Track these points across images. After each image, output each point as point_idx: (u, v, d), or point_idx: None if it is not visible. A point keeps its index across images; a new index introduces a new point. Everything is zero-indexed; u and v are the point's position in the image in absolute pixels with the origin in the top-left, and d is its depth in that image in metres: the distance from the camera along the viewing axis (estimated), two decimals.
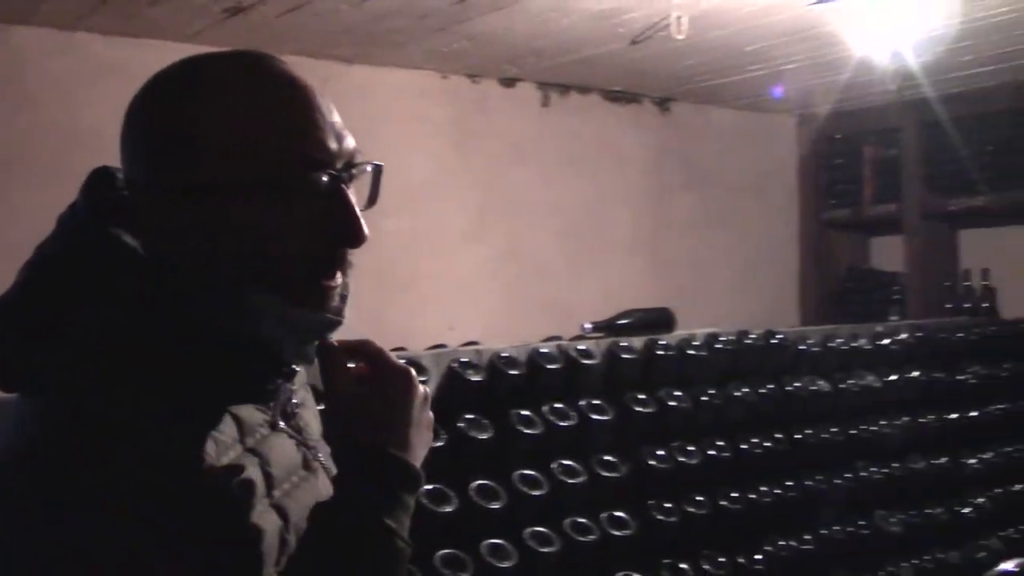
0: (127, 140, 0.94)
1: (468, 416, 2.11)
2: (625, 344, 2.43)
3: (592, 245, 4.11)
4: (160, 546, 0.80)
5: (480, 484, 2.06)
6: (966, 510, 3.01)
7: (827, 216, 4.76)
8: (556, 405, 2.24)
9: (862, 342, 2.96)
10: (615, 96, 4.17)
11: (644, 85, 4.07)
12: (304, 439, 1.02)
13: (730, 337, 2.66)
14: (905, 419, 2.96)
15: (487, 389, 2.17)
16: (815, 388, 2.76)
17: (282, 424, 0.99)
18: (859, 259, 4.90)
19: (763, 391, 2.65)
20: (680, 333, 2.67)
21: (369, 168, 0.97)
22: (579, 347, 2.34)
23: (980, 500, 3.05)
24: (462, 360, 2.16)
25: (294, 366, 0.98)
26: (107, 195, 0.95)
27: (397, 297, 3.52)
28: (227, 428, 0.91)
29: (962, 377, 3.19)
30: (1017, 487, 3.21)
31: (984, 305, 4.22)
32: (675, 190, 4.34)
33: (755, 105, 4.44)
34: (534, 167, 3.99)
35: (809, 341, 2.83)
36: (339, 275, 0.95)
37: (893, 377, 2.97)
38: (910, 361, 3.08)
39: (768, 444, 2.60)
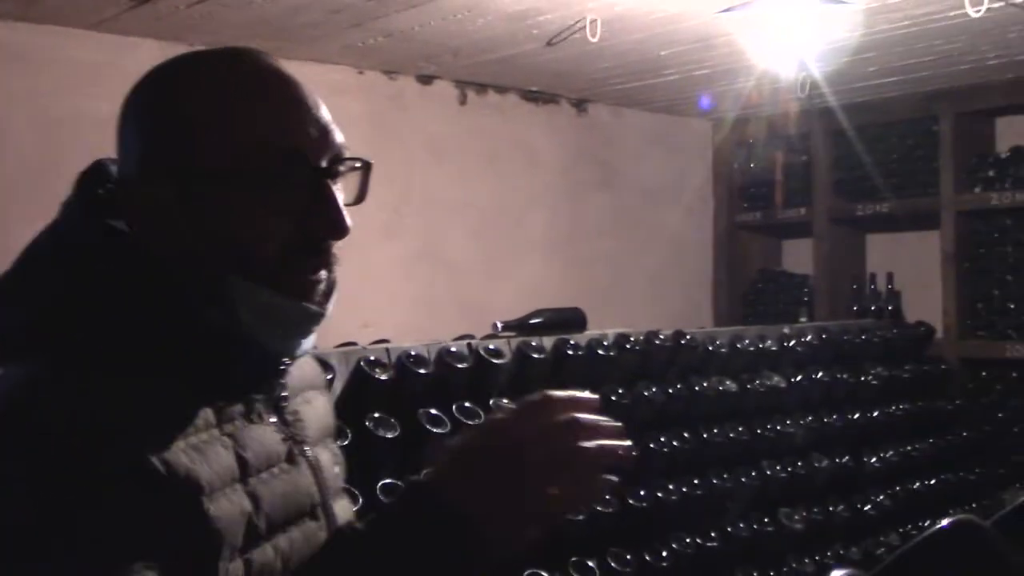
0: (121, 131, 0.99)
1: (375, 415, 2.09)
2: (535, 344, 2.44)
3: (508, 244, 4.12)
4: (53, 531, 0.80)
5: (386, 483, 2.04)
6: (867, 507, 3.09)
7: (740, 219, 4.85)
8: (465, 404, 2.24)
9: (769, 343, 3.03)
10: (532, 96, 4.18)
11: (561, 86, 4.09)
12: (293, 433, 1.03)
13: (639, 338, 2.69)
14: (809, 419, 3.03)
15: (395, 388, 2.16)
16: (722, 388, 2.81)
17: (270, 418, 1.01)
18: (771, 261, 5.00)
19: (671, 391, 2.68)
20: (591, 333, 2.69)
21: (357, 165, 1.01)
22: (489, 346, 2.35)
23: (880, 498, 3.14)
24: (370, 358, 2.15)
25: (283, 360, 1.01)
26: (100, 186, 0.98)
27: None
28: (202, 412, 0.92)
29: (864, 378, 3.28)
30: (916, 484, 3.32)
31: (889, 307, 4.34)
32: (591, 191, 4.38)
33: (670, 108, 4.50)
34: (451, 165, 3.98)
35: (717, 342, 2.88)
36: (323, 269, 0.98)
37: (798, 378, 3.04)
38: (815, 362, 3.16)
39: (675, 443, 2.64)
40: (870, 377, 3.29)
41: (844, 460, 3.08)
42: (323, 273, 0.98)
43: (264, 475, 0.96)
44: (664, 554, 2.52)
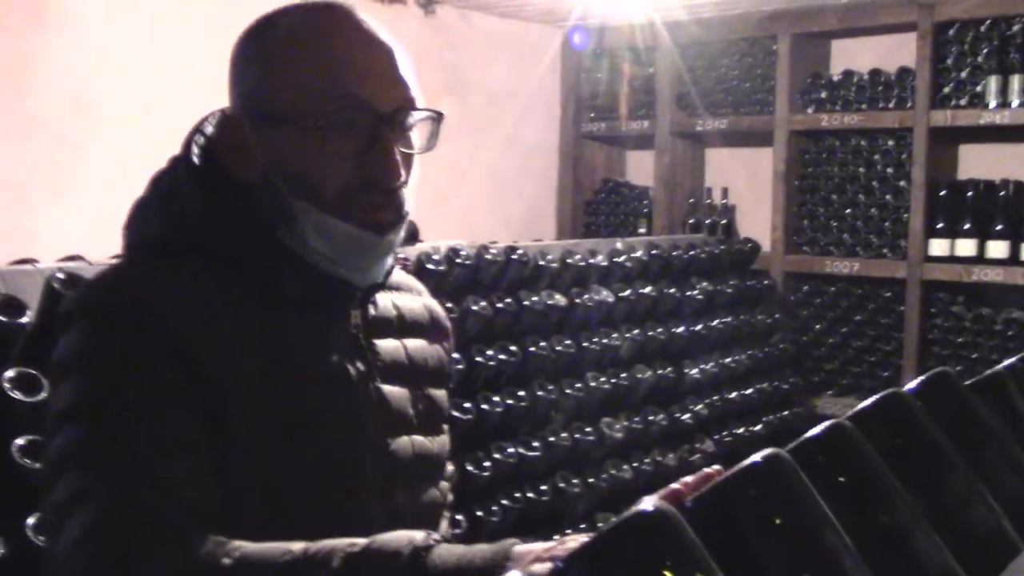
0: (229, 75, 1.15)
1: None
2: None
3: None
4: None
5: None
6: (684, 416, 3.24)
7: (586, 128, 4.89)
8: None
9: (600, 259, 3.09)
10: None
11: None
12: (365, 364, 1.13)
13: (471, 252, 2.70)
14: (635, 332, 3.13)
15: None
16: (551, 303, 2.86)
17: (339, 343, 1.11)
18: (615, 171, 5.07)
19: (500, 305, 2.72)
20: (422, 246, 2.69)
21: (424, 116, 1.11)
22: None
23: (698, 407, 3.30)
24: None
25: (351, 288, 1.12)
26: (204, 129, 1.15)
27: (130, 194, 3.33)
28: (255, 317, 1.07)
29: (690, 292, 3.40)
30: (732, 394, 3.49)
31: (723, 222, 4.49)
32: (435, 95, 4.27)
33: (519, 13, 4.45)
34: None
35: (549, 257, 2.92)
36: (385, 206, 1.08)
37: (626, 292, 3.12)
38: (643, 277, 3.25)
39: (502, 356, 2.68)
40: (695, 291, 3.41)
41: (666, 371, 3.21)
42: (386, 207, 1.09)
43: (305, 386, 1.08)
44: (486, 464, 2.59)
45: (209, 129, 1.17)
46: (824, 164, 4.16)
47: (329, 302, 1.13)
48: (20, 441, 1.73)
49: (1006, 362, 1.00)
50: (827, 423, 0.67)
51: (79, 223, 3.17)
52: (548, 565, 0.76)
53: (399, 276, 1.28)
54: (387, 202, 1.09)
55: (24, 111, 3.17)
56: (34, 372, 1.76)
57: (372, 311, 1.19)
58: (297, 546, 0.90)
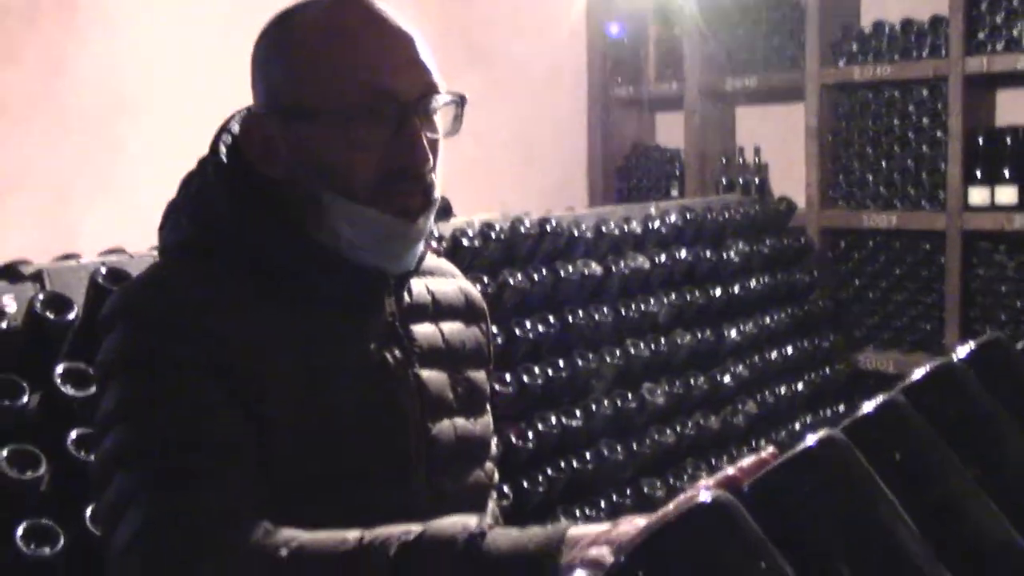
0: (252, 73, 1.17)
1: None
2: None
3: None
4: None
5: None
6: (725, 378, 3.24)
7: (614, 93, 4.85)
8: None
9: (634, 225, 3.08)
10: None
11: None
12: (401, 352, 1.15)
13: (504, 226, 2.70)
14: (672, 297, 3.12)
15: None
16: (587, 272, 2.86)
17: (376, 332, 1.13)
18: (645, 135, 5.04)
19: (537, 277, 2.72)
20: (455, 222, 2.69)
21: (448, 100, 1.12)
22: None
23: (738, 368, 3.29)
24: None
25: (386, 277, 1.14)
26: (231, 128, 1.18)
27: (168, 189, 3.36)
28: (288, 313, 1.08)
29: (726, 255, 3.38)
30: (773, 355, 3.48)
31: (756, 180, 4.45)
32: (460, 68, 4.26)
33: None
34: None
35: (583, 227, 2.91)
36: (414, 192, 1.10)
37: (662, 258, 3.11)
38: (678, 241, 3.23)
39: (541, 328, 2.69)
40: (732, 253, 3.39)
41: (705, 335, 3.19)
42: (416, 193, 1.10)
43: (343, 381, 1.09)
44: (529, 435, 2.61)
45: (235, 128, 1.18)
46: (857, 117, 4.09)
47: (363, 293, 1.14)
48: (73, 434, 1.77)
49: None
50: (880, 400, 0.67)
51: (119, 218, 3.21)
52: (605, 549, 0.76)
53: (432, 261, 1.29)
54: (416, 188, 1.11)
55: (61, 110, 3.21)
56: (84, 366, 1.80)
57: (407, 298, 1.20)
58: (352, 535, 0.91)
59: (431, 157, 1.10)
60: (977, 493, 0.65)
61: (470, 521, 0.87)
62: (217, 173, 1.15)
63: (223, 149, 1.17)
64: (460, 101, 1.14)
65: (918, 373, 0.74)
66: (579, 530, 0.83)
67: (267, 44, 1.15)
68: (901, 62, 3.90)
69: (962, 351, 0.78)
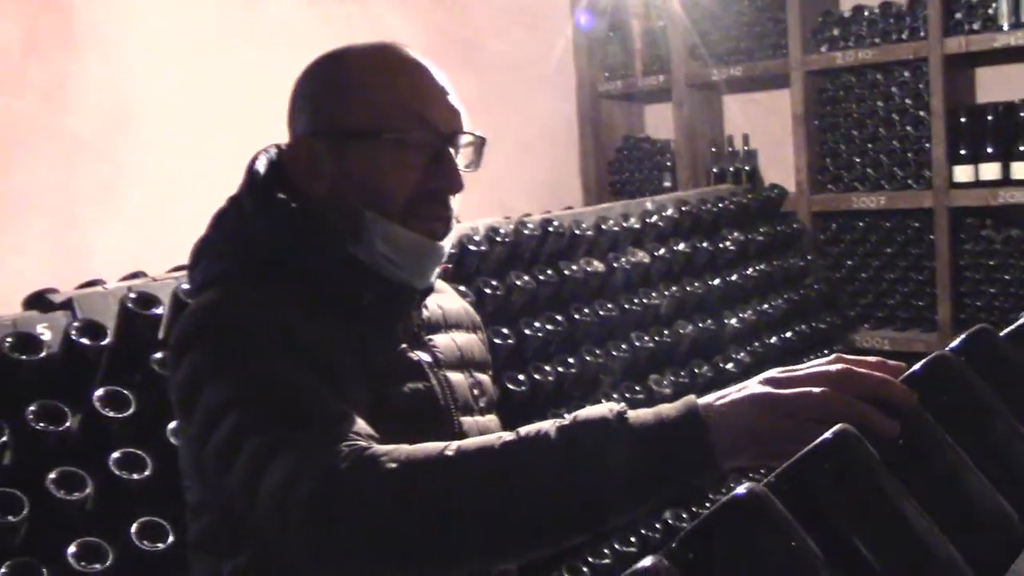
0: (293, 103, 1.31)
1: None
2: None
3: None
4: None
5: None
6: (728, 365, 3.33)
7: (603, 88, 4.93)
8: None
9: (632, 221, 3.17)
10: None
11: None
12: (429, 356, 1.28)
13: (508, 229, 2.79)
14: (673, 289, 3.21)
15: None
16: (590, 269, 2.94)
17: (407, 341, 1.26)
18: (635, 128, 5.12)
19: (542, 277, 2.80)
20: (462, 227, 2.77)
21: (473, 138, 1.28)
22: None
23: (740, 355, 3.38)
24: None
25: (413, 292, 1.26)
26: (268, 155, 1.30)
27: (172, 205, 3.44)
28: (340, 325, 1.19)
29: (722, 244, 3.47)
30: (772, 339, 3.57)
31: (746, 168, 4.54)
32: (452, 71, 4.35)
33: None
34: (308, 55, 3.90)
35: (583, 225, 3.00)
36: (443, 215, 1.24)
37: (661, 251, 3.20)
38: (676, 234, 3.32)
39: (549, 327, 2.77)
40: (728, 243, 3.48)
41: (706, 324, 3.29)
42: (443, 218, 1.24)
43: (388, 377, 1.21)
44: None
45: (261, 165, 1.29)
46: (842, 102, 4.18)
47: (396, 305, 1.27)
48: (116, 455, 1.85)
49: None
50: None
51: (130, 237, 3.29)
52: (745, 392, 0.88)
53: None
54: (444, 213, 1.26)
55: (65, 131, 3.28)
56: (121, 389, 1.88)
57: (425, 312, 1.35)
58: (502, 433, 0.98)
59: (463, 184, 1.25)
60: (970, 468, 0.74)
61: (613, 405, 0.95)
62: (256, 204, 1.25)
63: (258, 179, 1.28)
64: (480, 142, 1.29)
65: (917, 365, 0.83)
66: (706, 398, 0.92)
67: (318, 77, 1.29)
68: (882, 45, 3.99)
69: (953, 342, 0.87)
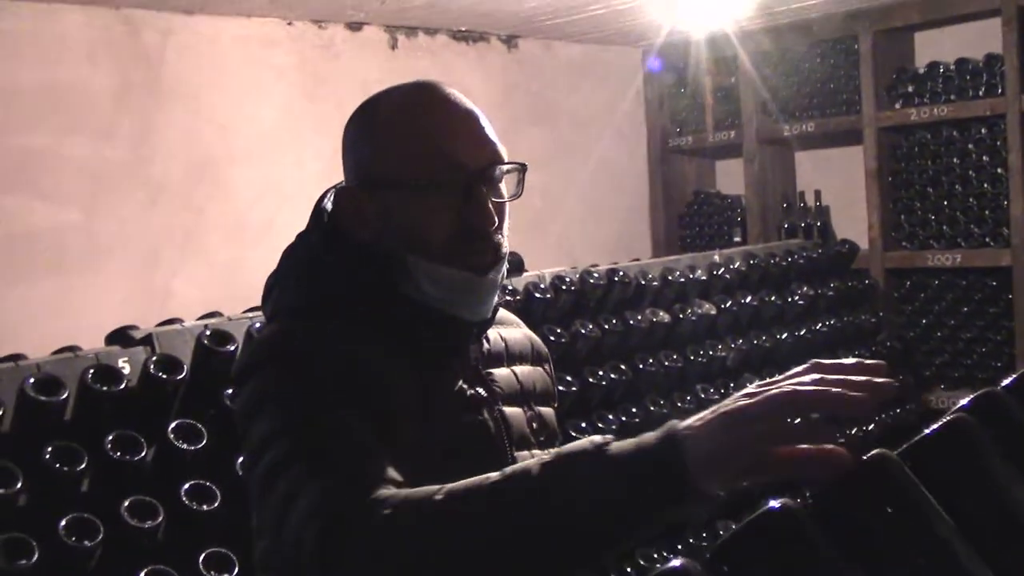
0: (343, 151, 1.32)
1: None
2: None
3: None
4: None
5: None
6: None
7: (673, 143, 4.97)
8: None
9: (699, 273, 3.17)
10: (463, 36, 4.22)
11: (490, 25, 4.13)
12: (487, 392, 1.30)
13: (575, 278, 2.82)
14: (740, 342, 3.19)
15: None
16: (656, 320, 2.95)
17: (466, 377, 1.28)
18: (705, 183, 5.13)
19: (607, 326, 2.82)
20: (527, 276, 2.81)
21: (507, 169, 1.28)
22: None
23: None
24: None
25: (467, 326, 1.27)
26: (324, 205, 1.33)
27: (250, 251, 3.55)
28: (401, 361, 1.21)
29: (791, 299, 3.45)
30: None
31: (818, 224, 4.51)
32: (524, 126, 4.45)
33: (599, 38, 4.56)
34: None
35: (649, 276, 3.02)
36: (485, 249, 1.24)
37: (728, 304, 3.19)
38: (744, 287, 3.31)
39: (613, 376, 2.78)
40: (796, 297, 3.46)
41: (773, 378, 3.25)
42: (485, 251, 1.25)
43: (446, 413, 1.23)
44: None
45: (328, 204, 1.33)
46: (917, 158, 4.15)
47: (451, 340, 1.29)
48: (187, 486, 1.91)
49: None
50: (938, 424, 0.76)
51: (208, 280, 3.40)
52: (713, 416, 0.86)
53: (500, 312, 1.43)
54: (485, 247, 1.25)
55: (150, 178, 3.42)
56: (194, 423, 1.94)
57: (486, 344, 1.35)
58: (491, 474, 0.99)
59: (496, 219, 1.24)
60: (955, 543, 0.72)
61: (594, 438, 0.95)
62: (323, 242, 1.30)
63: (324, 220, 1.32)
64: (522, 168, 1.29)
65: (965, 399, 0.83)
66: (685, 421, 0.90)
67: (355, 126, 1.31)
68: (958, 101, 3.96)
69: (1006, 381, 0.87)
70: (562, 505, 0.91)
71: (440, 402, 1.25)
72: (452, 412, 1.26)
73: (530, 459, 0.99)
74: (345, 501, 1.02)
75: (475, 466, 1.21)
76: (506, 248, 1.29)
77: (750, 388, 0.91)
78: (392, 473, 1.08)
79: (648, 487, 0.87)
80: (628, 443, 0.92)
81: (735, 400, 0.89)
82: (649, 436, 0.91)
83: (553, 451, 0.98)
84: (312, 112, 3.76)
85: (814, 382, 0.87)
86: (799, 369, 0.91)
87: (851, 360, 0.90)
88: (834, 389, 0.82)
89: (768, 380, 0.91)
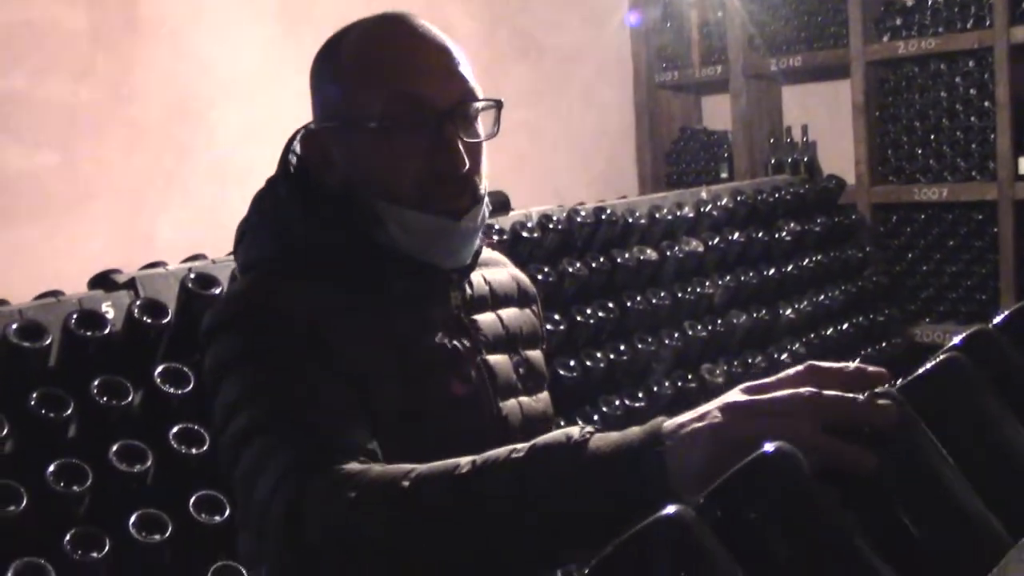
0: (310, 90, 1.24)
1: None
2: None
3: None
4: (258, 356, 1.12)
5: None
6: (782, 356, 3.30)
7: (659, 79, 4.91)
8: None
9: (686, 210, 3.16)
10: None
11: None
12: (469, 340, 1.24)
13: (561, 216, 2.80)
14: (727, 278, 3.19)
15: None
16: (643, 258, 2.94)
17: (445, 324, 1.21)
18: (692, 119, 5.09)
19: (595, 265, 2.81)
20: (514, 215, 2.79)
21: (480, 106, 1.18)
22: None
23: (795, 346, 3.35)
24: None
25: (442, 273, 1.21)
26: (294, 147, 1.26)
27: (234, 191, 3.50)
28: (369, 311, 1.17)
29: (778, 235, 3.44)
30: (829, 331, 3.54)
31: (805, 159, 4.49)
32: (508, 62, 4.39)
33: None
34: None
35: (636, 214, 3.00)
36: (458, 193, 1.16)
37: (715, 240, 3.18)
38: (731, 224, 3.30)
39: (601, 314, 2.78)
40: (784, 233, 3.45)
41: (761, 314, 3.27)
42: (459, 194, 1.17)
43: (424, 370, 1.17)
44: (595, 418, 2.71)
45: (297, 147, 1.25)
46: (904, 92, 4.11)
47: (429, 289, 1.23)
48: (175, 429, 1.90)
49: None
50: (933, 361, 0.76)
51: (191, 222, 3.36)
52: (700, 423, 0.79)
53: (484, 252, 1.36)
54: (459, 190, 1.17)
55: (130, 118, 3.36)
56: (181, 366, 1.93)
57: (469, 290, 1.29)
58: (463, 460, 0.94)
59: (468, 160, 1.16)
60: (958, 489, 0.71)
61: (573, 431, 0.90)
62: (288, 190, 1.22)
63: (291, 166, 1.26)
64: (497, 105, 1.20)
65: (957, 338, 0.82)
66: (672, 420, 0.84)
67: (319, 65, 1.23)
68: (946, 34, 3.91)
69: (997, 318, 0.86)
70: (533, 504, 0.86)
71: (420, 359, 1.19)
72: (432, 369, 1.20)
73: (503, 449, 0.92)
74: (312, 477, 0.98)
75: (455, 425, 1.18)
76: (484, 190, 1.21)
77: (739, 395, 0.83)
78: (364, 441, 1.05)
79: (625, 495, 0.82)
80: (608, 443, 0.86)
81: (723, 411, 0.80)
82: (632, 439, 0.85)
83: (527, 444, 0.91)
84: (294, 49, 3.69)
85: (815, 409, 0.75)
86: (791, 372, 0.83)
87: (852, 365, 0.82)
88: (840, 445, 0.71)
89: (758, 382, 0.83)
